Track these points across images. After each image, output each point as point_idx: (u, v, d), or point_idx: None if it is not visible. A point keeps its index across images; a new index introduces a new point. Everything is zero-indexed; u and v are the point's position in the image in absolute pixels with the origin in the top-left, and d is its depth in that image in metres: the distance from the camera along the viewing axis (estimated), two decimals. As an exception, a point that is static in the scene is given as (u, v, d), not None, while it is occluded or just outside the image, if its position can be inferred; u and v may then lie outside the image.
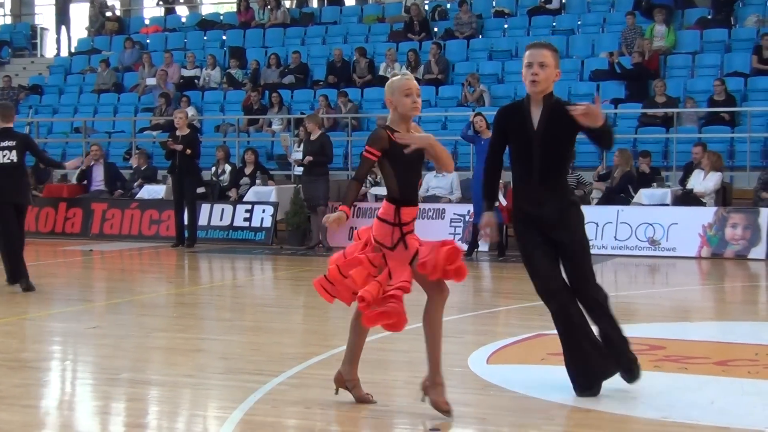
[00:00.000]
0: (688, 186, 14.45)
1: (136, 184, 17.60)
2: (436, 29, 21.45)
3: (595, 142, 5.71)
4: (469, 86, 18.06)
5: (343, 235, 13.82)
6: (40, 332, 8.25)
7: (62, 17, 27.28)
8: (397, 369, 5.42)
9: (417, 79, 6.60)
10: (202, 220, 15.92)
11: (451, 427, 5.09)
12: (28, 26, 27.83)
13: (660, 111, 16.52)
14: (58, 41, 27.52)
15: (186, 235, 15.13)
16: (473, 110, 15.85)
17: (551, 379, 5.96)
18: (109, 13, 26.04)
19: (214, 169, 17.07)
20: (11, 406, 5.53)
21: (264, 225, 15.82)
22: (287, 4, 24.96)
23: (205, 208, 16.07)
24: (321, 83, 20.24)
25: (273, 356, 6.93)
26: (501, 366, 6.54)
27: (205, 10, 27.43)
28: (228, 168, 16.94)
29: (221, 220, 16.08)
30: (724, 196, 14.44)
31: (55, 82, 23.27)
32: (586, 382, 5.60)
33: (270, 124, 19.29)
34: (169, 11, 26.68)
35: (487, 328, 8.33)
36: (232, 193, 16.47)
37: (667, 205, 14.25)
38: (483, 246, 13.94)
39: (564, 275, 5.62)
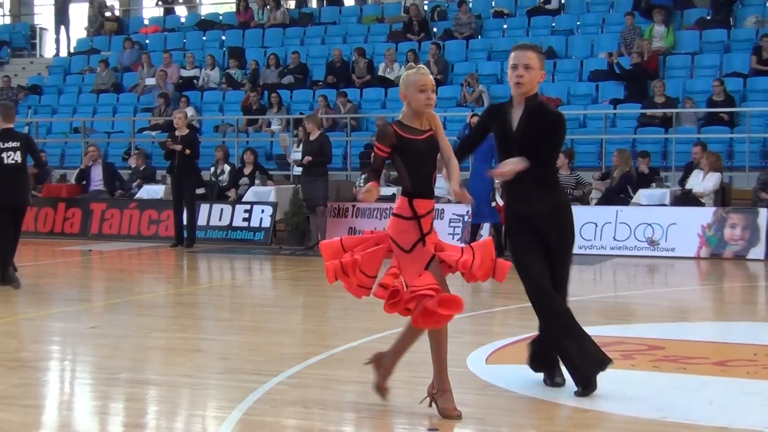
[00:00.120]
0: (687, 186, 14.45)
1: (135, 184, 17.58)
2: (435, 29, 21.46)
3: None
4: (468, 86, 18.06)
5: (343, 234, 13.79)
6: (39, 332, 8.25)
7: (61, 17, 27.25)
8: (396, 369, 5.42)
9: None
10: (201, 220, 15.92)
11: (450, 427, 5.09)
12: (27, 26, 27.84)
13: (659, 111, 16.53)
14: (57, 41, 27.49)
15: (185, 235, 15.13)
16: (472, 110, 15.86)
17: (550, 379, 5.94)
18: (108, 14, 26.05)
19: (213, 169, 17.06)
20: (10, 406, 5.53)
21: (263, 225, 15.82)
22: (290, 4, 24.96)
23: (204, 208, 16.06)
24: (320, 83, 20.24)
25: (272, 356, 6.92)
26: (500, 366, 6.54)
27: (205, 10, 27.43)
28: (227, 168, 16.94)
29: (220, 220, 16.07)
30: (723, 197, 14.44)
31: (54, 83, 23.27)
32: (589, 377, 5.58)
33: (269, 125, 19.29)
34: (169, 11, 26.68)
35: (486, 328, 8.32)
36: (231, 194, 16.46)
37: (666, 205, 14.25)
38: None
39: None
